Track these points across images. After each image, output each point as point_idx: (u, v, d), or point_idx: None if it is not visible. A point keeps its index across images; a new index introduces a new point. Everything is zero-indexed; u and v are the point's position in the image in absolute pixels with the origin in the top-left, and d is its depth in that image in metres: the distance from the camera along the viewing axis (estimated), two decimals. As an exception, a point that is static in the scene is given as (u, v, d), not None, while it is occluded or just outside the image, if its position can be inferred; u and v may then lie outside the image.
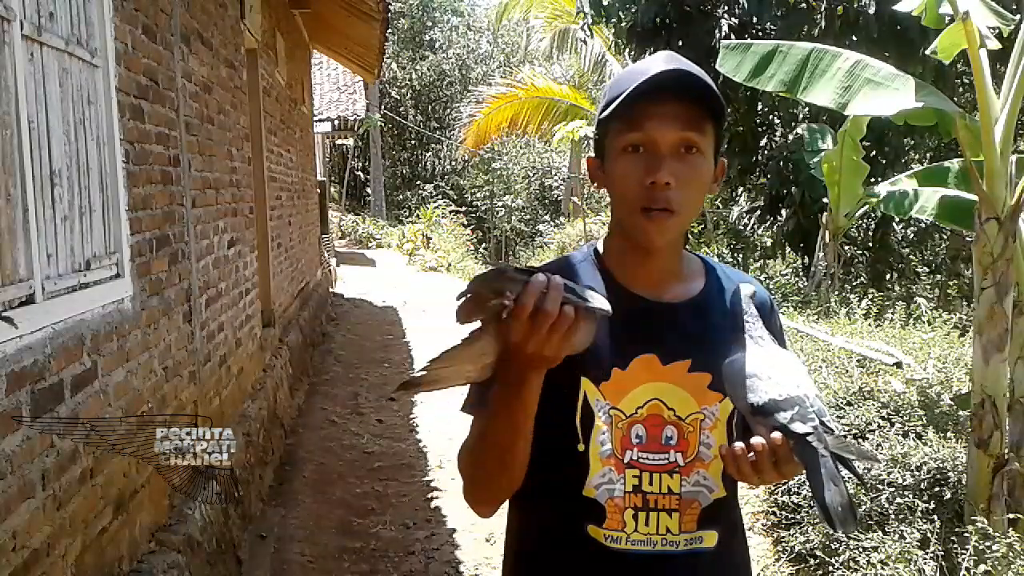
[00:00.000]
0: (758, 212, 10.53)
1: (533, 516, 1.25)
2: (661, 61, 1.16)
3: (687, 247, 1.33)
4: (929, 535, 3.13)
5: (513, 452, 1.15)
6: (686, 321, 1.22)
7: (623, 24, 9.26)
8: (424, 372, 1.09)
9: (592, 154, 1.27)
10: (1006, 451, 3.19)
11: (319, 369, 7.50)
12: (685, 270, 1.27)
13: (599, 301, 1.04)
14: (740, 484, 1.28)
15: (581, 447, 1.17)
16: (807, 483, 1.05)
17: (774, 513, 3.67)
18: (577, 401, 1.18)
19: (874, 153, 8.29)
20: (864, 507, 3.28)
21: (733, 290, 1.24)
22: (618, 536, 1.17)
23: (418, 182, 27.10)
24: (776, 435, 1.05)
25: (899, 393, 4.28)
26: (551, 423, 1.17)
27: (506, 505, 1.30)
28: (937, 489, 3.42)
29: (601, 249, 1.28)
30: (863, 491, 3.32)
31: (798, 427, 1.05)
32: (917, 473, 3.46)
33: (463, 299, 1.05)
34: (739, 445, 1.08)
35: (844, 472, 1.03)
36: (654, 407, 1.19)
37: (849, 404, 4.15)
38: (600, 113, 1.21)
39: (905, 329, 5.93)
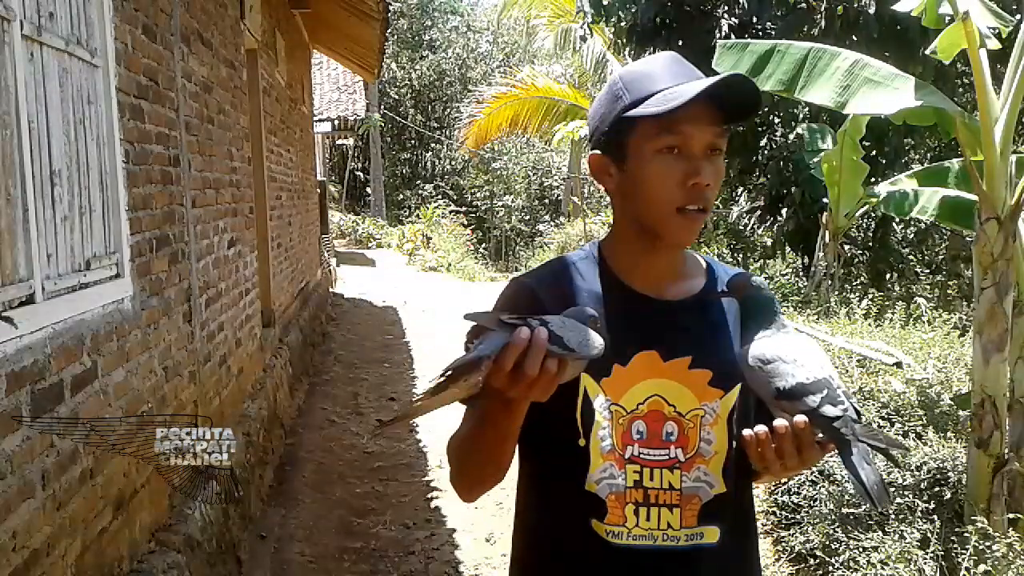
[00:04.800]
0: (758, 212, 10.52)
1: (539, 511, 1.27)
2: (673, 64, 1.20)
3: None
4: (929, 535, 3.12)
5: (498, 455, 1.18)
6: (687, 318, 1.23)
7: (623, 24, 9.26)
8: (406, 413, 1.09)
9: (596, 152, 1.24)
10: (1006, 451, 3.19)
11: (319, 369, 7.50)
12: (687, 268, 1.29)
13: (586, 346, 1.04)
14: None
15: (582, 442, 1.19)
16: (841, 464, 1.06)
17: (774, 513, 3.67)
18: (577, 397, 1.19)
19: (874, 153, 8.28)
20: (864, 507, 3.28)
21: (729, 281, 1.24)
22: (619, 531, 1.18)
23: (418, 182, 27.09)
24: (799, 418, 1.06)
25: (899, 393, 4.28)
26: (552, 418, 1.18)
27: (512, 502, 1.32)
28: (937, 489, 3.42)
29: (603, 248, 1.29)
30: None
31: (829, 410, 1.05)
32: (917, 473, 3.46)
33: (440, 379, 1.04)
34: (762, 428, 1.08)
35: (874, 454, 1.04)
36: (655, 403, 1.20)
37: (849, 404, 4.14)
38: (622, 112, 1.19)
39: (905, 329, 5.92)
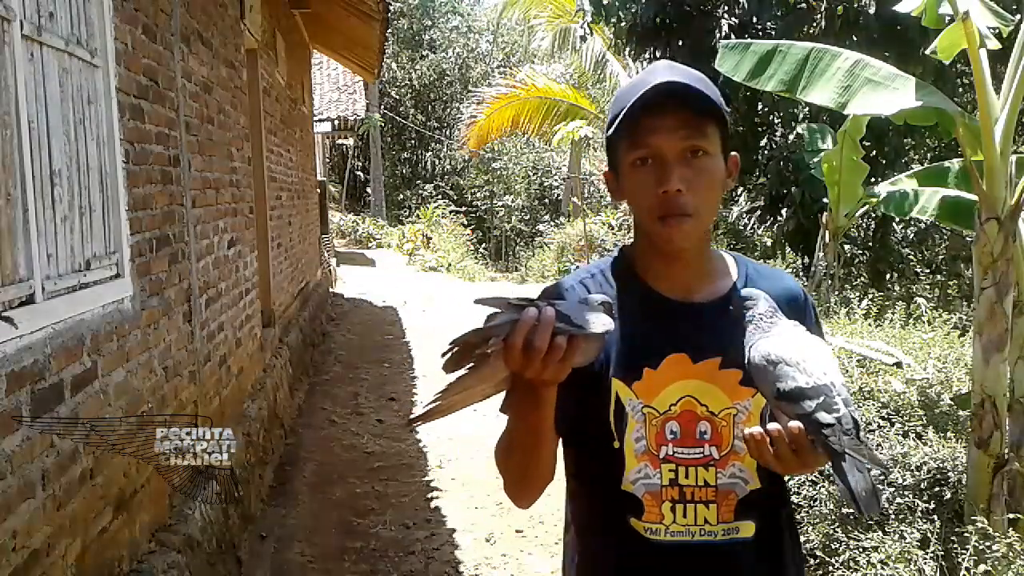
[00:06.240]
0: (758, 212, 10.52)
1: (582, 509, 1.31)
2: (658, 73, 1.20)
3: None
4: (929, 535, 3.12)
5: (536, 451, 1.21)
6: (715, 319, 1.25)
7: (623, 24, 9.26)
8: (436, 403, 1.12)
9: (607, 168, 1.33)
10: (1006, 451, 3.19)
11: (319, 369, 7.50)
12: (713, 269, 1.30)
13: (595, 324, 1.07)
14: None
15: (616, 444, 1.22)
16: (831, 470, 1.07)
17: (774, 513, 3.66)
18: (610, 401, 1.22)
19: (874, 153, 8.27)
20: (864, 507, 3.27)
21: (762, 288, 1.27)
22: (657, 528, 1.22)
23: (418, 182, 27.08)
24: (793, 424, 1.07)
25: (899, 393, 4.27)
26: (586, 422, 1.23)
27: (543, 499, 1.35)
28: (937, 489, 3.41)
29: (629, 254, 1.32)
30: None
31: (823, 417, 1.05)
32: (917, 473, 3.45)
33: (450, 352, 1.08)
34: (757, 430, 1.10)
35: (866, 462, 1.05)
36: (687, 404, 1.22)
37: (849, 404, 4.14)
38: (607, 131, 1.25)
39: (905, 329, 5.92)
